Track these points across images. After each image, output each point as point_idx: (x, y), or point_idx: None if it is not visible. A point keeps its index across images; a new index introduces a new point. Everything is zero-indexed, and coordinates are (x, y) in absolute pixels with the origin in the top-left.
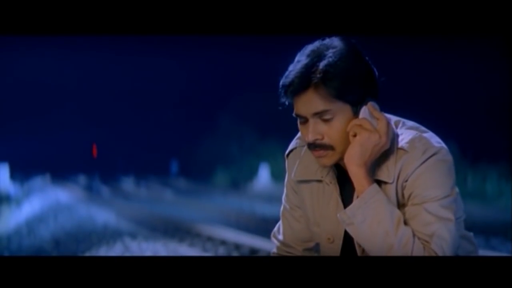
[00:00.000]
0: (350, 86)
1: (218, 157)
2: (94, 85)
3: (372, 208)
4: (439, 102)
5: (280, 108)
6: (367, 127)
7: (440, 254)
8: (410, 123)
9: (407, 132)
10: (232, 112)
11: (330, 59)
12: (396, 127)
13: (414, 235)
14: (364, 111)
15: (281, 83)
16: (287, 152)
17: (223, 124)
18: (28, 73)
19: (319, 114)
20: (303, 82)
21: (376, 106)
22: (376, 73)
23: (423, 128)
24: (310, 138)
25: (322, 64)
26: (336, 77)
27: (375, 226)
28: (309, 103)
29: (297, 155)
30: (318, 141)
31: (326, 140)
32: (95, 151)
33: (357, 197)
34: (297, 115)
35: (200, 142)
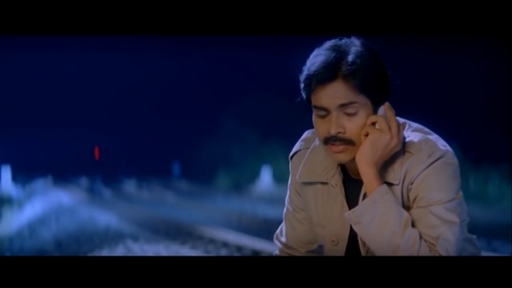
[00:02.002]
0: (374, 82)
1: (220, 159)
2: (95, 87)
3: (380, 208)
4: (440, 103)
5: (297, 100)
6: (381, 125)
7: (444, 255)
8: (415, 125)
9: (413, 135)
10: (234, 114)
11: (358, 54)
12: (402, 129)
13: (420, 237)
14: (380, 110)
15: (305, 72)
16: (291, 154)
17: (225, 126)
18: (30, 75)
19: (344, 107)
20: (331, 72)
21: (391, 108)
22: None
23: (428, 130)
24: (333, 131)
25: (350, 58)
26: (363, 71)
27: (383, 226)
28: (335, 94)
29: (301, 158)
30: (340, 135)
31: (348, 135)
32: (97, 153)
33: (364, 197)
34: (319, 107)
35: (202, 144)
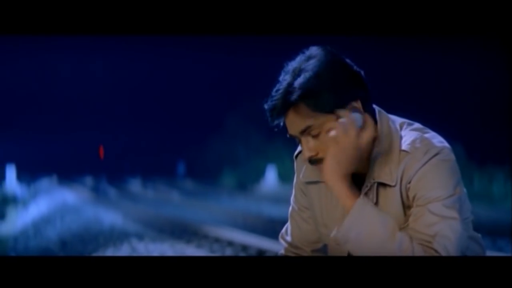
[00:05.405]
0: (329, 97)
1: (225, 158)
2: (101, 87)
3: (364, 222)
4: (444, 104)
5: (275, 130)
6: (335, 138)
7: (443, 253)
8: (415, 125)
9: (409, 134)
10: (239, 113)
11: (307, 74)
12: (401, 128)
13: (411, 238)
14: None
15: (265, 108)
16: (295, 153)
17: (230, 125)
18: (35, 75)
19: (306, 131)
20: (283, 104)
21: (349, 111)
22: (362, 74)
23: (426, 129)
24: (306, 156)
25: (297, 83)
26: (312, 92)
27: (372, 237)
28: (293, 122)
29: None
30: (313, 158)
31: (320, 155)
32: (102, 153)
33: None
34: (290, 136)
35: (207, 144)
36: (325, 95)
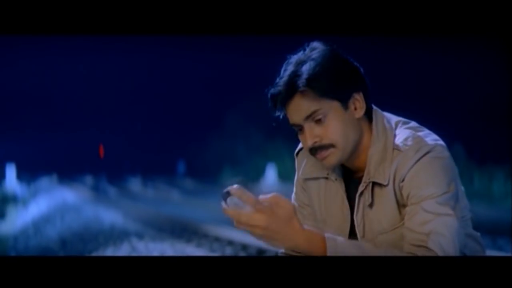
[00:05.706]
0: (333, 83)
1: (225, 157)
2: (101, 86)
3: (342, 251)
4: (444, 104)
5: (273, 124)
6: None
7: (437, 250)
8: (410, 123)
9: (403, 132)
10: (239, 112)
11: (311, 62)
12: (396, 127)
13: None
14: (230, 201)
15: (269, 95)
16: (296, 150)
17: (230, 124)
18: (36, 75)
19: (311, 117)
20: (289, 89)
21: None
22: (361, 69)
23: (421, 128)
24: (309, 142)
25: (304, 69)
26: (318, 78)
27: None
28: (299, 108)
29: (306, 153)
30: (317, 144)
31: (324, 141)
32: (102, 152)
33: (361, 194)
34: (293, 125)
35: (207, 143)
36: (330, 81)
